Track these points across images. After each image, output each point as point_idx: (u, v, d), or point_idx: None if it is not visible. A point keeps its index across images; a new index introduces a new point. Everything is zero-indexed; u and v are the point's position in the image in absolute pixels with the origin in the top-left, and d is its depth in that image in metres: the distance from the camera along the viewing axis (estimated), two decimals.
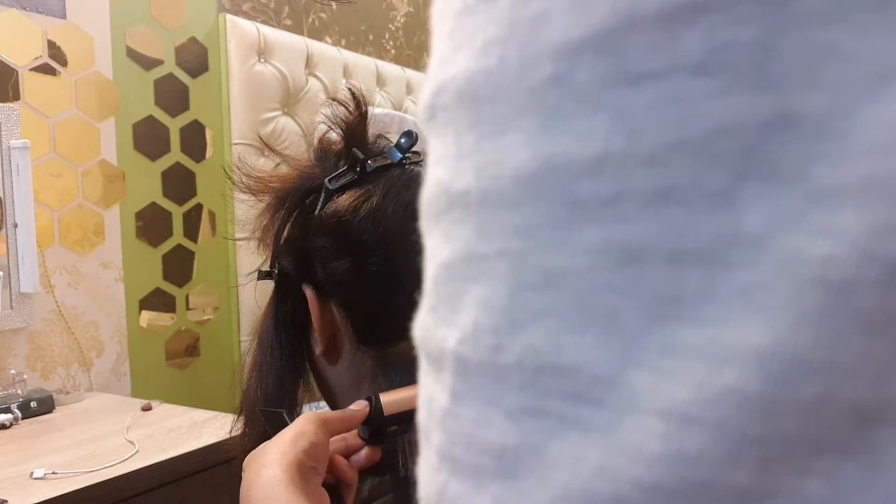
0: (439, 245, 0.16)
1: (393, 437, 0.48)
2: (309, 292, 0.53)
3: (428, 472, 0.17)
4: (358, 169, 0.52)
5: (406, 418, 0.47)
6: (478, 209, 0.15)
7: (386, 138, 0.57)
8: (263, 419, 0.53)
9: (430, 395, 0.17)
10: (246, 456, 0.56)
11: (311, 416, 0.46)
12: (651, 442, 0.13)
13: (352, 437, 0.49)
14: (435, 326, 0.16)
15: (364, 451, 0.49)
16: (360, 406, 0.48)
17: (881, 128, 0.11)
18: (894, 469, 0.12)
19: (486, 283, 0.15)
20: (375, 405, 0.48)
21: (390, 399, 0.48)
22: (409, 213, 0.50)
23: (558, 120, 0.14)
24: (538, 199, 0.14)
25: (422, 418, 0.17)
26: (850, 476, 0.12)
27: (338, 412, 0.48)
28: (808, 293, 0.12)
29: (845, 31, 0.12)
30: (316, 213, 0.52)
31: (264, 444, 0.46)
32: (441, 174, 0.16)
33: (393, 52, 2.58)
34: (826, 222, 0.12)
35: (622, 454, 0.13)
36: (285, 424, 0.47)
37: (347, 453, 0.49)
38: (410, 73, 2.45)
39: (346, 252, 0.51)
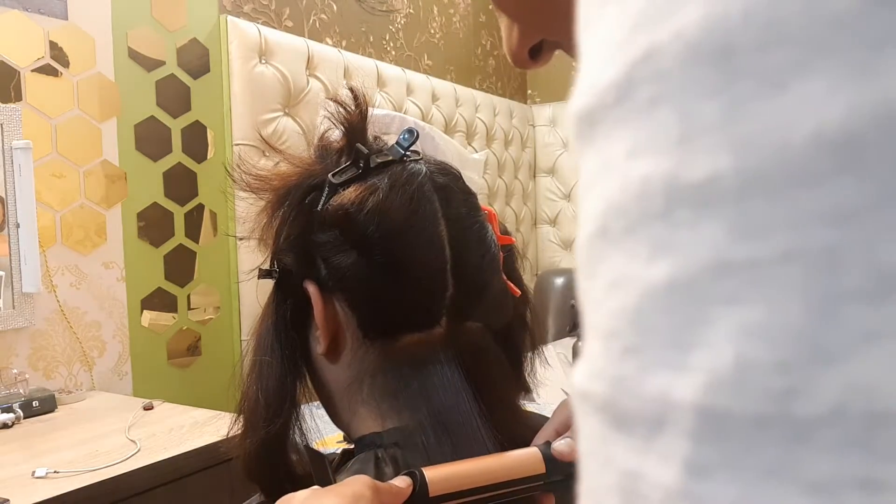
0: (644, 263, 0.12)
1: None
2: (312, 289, 0.53)
3: None
4: (361, 164, 0.52)
5: (450, 497, 0.46)
6: (736, 199, 0.11)
7: (382, 139, 0.57)
8: (307, 456, 0.52)
9: (627, 472, 0.12)
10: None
11: (367, 480, 0.45)
12: None
13: None
14: (643, 374, 0.12)
15: None
16: (404, 483, 0.47)
17: None
18: None
19: (758, 300, 0.11)
20: (420, 484, 0.46)
21: (434, 476, 0.46)
22: (414, 207, 0.51)
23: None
24: (864, 167, 0.10)
25: None
26: None
27: (387, 484, 0.46)
28: None
29: None
30: (319, 208, 0.52)
31: (315, 491, 0.45)
32: (648, 168, 0.12)
33: (393, 53, 2.58)
34: None
35: None
36: (326, 470, 0.46)
37: None
38: (411, 75, 2.46)
39: (352, 245, 0.51)
